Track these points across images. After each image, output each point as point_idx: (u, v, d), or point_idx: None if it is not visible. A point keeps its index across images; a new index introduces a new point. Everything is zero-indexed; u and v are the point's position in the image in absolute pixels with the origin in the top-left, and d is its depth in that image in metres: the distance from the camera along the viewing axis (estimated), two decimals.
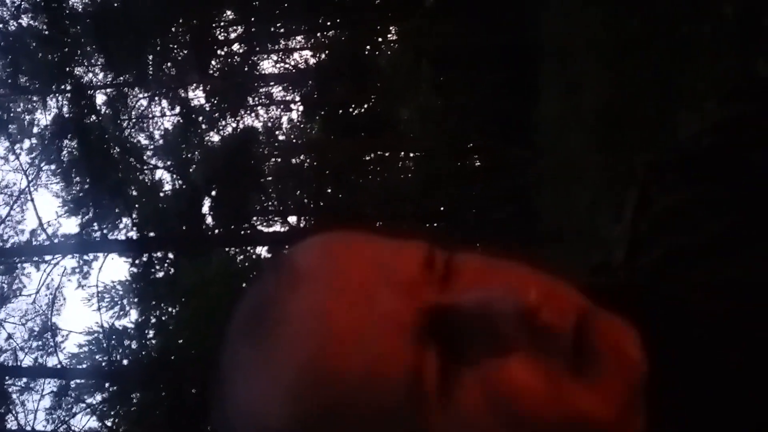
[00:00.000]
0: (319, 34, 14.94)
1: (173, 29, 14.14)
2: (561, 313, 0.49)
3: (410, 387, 0.48)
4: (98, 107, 13.93)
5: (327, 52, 14.37)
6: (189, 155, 14.21)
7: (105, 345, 12.40)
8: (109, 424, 11.81)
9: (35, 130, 14.24)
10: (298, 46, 15.18)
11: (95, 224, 13.56)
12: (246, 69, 14.60)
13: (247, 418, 0.51)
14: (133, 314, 13.01)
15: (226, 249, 13.07)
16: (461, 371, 0.49)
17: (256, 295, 0.54)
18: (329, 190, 13.86)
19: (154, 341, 12.45)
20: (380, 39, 13.86)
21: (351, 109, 13.50)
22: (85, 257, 13.43)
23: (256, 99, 14.96)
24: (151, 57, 13.99)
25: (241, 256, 13.35)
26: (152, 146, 14.67)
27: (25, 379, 11.90)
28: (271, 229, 14.23)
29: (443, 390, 0.49)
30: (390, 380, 0.48)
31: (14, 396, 11.63)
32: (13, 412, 11.43)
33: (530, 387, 0.48)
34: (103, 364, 12.23)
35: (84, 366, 12.29)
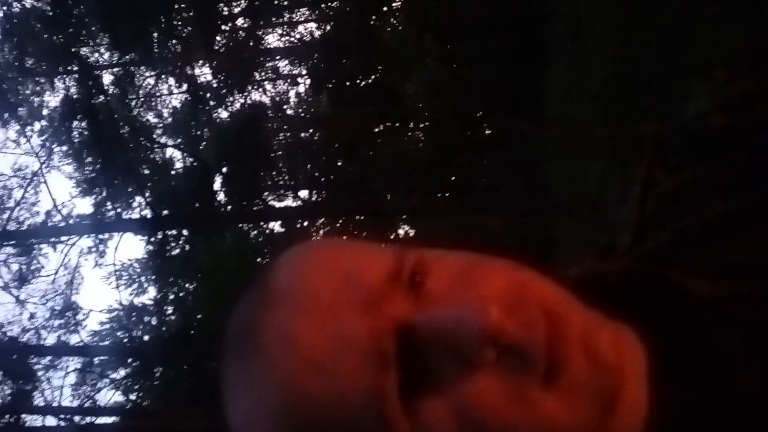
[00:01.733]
0: (323, 6, 14.80)
1: (177, 5, 14.06)
2: (529, 327, 0.49)
3: (373, 410, 0.49)
4: (106, 87, 13.94)
5: (332, 23, 14.25)
6: (198, 132, 14.25)
7: (125, 322, 12.65)
8: (133, 398, 12.09)
9: (45, 112, 14.29)
10: (302, 19, 15.07)
11: (109, 204, 13.68)
12: (251, 43, 14.53)
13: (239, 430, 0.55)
14: (152, 291, 13.24)
15: (240, 225, 13.18)
16: (428, 390, 0.49)
17: (242, 315, 0.55)
18: (339, 163, 13.87)
19: (173, 317, 12.70)
20: (386, 9, 13.71)
21: (358, 81, 13.43)
22: (101, 236, 13.58)
23: (263, 73, 14.92)
24: (156, 34, 13.94)
25: (255, 232, 13.48)
26: (161, 125, 14.72)
27: (49, 357, 12.14)
28: (283, 204, 14.35)
29: (408, 411, 0.49)
30: (353, 404, 0.49)
31: (40, 373, 11.88)
32: (40, 389, 11.69)
33: (497, 405, 0.48)
34: (125, 340, 12.49)
35: (106, 343, 12.53)
